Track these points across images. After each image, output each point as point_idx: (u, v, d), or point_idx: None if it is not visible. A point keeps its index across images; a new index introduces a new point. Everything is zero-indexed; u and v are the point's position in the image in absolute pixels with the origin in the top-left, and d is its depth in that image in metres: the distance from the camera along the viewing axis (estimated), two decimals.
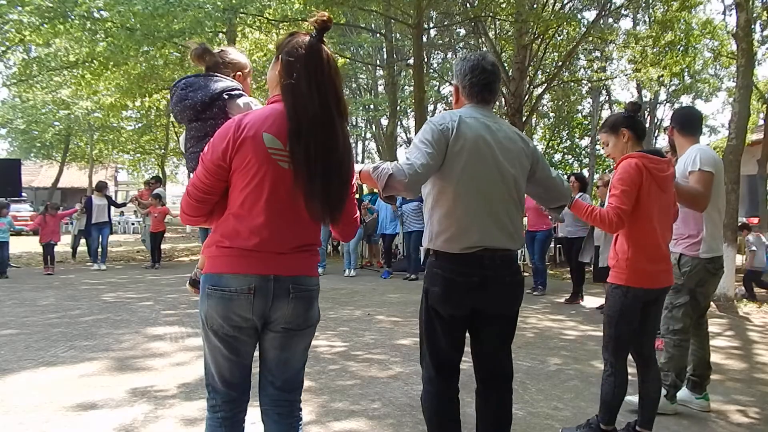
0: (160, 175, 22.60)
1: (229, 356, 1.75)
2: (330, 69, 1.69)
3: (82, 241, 11.20)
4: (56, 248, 10.04)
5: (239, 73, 2.11)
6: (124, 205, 11.24)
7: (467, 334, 2.21)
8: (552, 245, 10.44)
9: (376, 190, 2.08)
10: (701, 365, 3.32)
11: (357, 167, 2.00)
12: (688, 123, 3.30)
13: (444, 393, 2.18)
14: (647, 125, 28.31)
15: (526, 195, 2.26)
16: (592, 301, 7.12)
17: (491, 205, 2.08)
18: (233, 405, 1.81)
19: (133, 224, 23.61)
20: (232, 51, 2.17)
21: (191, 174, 1.84)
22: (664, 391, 3.10)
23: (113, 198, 11.29)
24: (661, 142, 30.61)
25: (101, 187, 10.75)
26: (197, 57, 2.09)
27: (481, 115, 2.16)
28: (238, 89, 2.01)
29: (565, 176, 7.81)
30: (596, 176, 19.05)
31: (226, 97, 1.95)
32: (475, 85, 2.18)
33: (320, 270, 9.66)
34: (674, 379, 3.18)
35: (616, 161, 2.68)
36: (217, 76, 2.02)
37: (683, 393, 3.33)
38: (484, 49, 17.29)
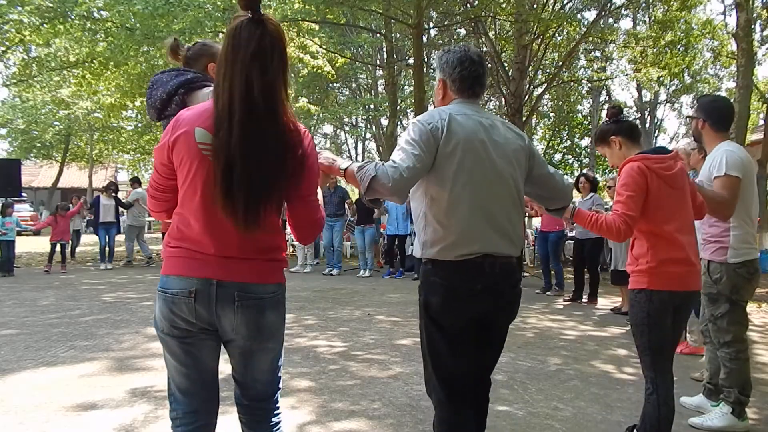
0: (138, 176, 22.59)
1: (182, 362, 1.65)
2: (248, 54, 1.49)
3: (82, 240, 11.22)
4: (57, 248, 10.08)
5: (211, 62, 1.96)
6: (131, 205, 11.27)
7: None
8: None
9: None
10: (718, 373, 3.16)
11: (343, 164, 1.92)
12: (723, 117, 3.05)
13: (454, 420, 1.98)
14: (647, 125, 28.32)
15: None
16: (603, 302, 7.11)
17: (490, 209, 1.93)
18: (194, 417, 1.69)
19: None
20: (205, 42, 2.08)
21: None
22: (727, 408, 2.98)
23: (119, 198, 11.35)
24: (661, 142, 30.60)
25: (108, 188, 10.88)
26: (171, 53, 2.03)
27: (472, 112, 2.00)
28: (201, 80, 1.90)
29: (566, 175, 7.79)
30: (600, 178, 19.07)
31: (182, 91, 1.86)
32: (465, 78, 2.02)
33: (336, 271, 9.68)
34: (737, 395, 2.98)
35: (619, 168, 2.54)
36: (182, 70, 1.93)
37: (698, 399, 3.26)
38: (484, 49, 17.31)
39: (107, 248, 10.44)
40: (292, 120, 1.59)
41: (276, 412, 1.77)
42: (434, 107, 2.12)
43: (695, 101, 3.37)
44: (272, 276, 1.66)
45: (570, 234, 8.16)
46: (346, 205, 9.90)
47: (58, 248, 10.01)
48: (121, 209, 11.11)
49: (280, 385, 1.80)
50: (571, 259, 8.63)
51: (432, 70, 22.04)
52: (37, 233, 19.25)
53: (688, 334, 4.63)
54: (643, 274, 2.42)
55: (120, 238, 11.54)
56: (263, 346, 1.67)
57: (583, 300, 7.17)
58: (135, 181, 12.25)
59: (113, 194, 10.75)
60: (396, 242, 9.97)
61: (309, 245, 10.41)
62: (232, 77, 1.49)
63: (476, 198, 1.91)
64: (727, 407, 3.02)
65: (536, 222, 9.73)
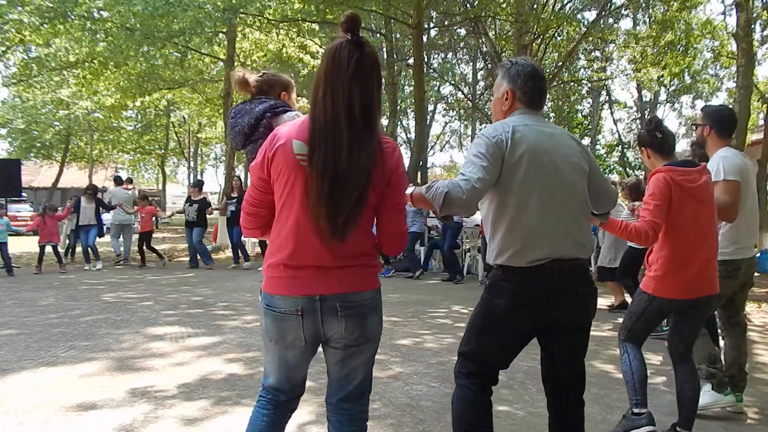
0: (132, 176, 22.57)
1: (281, 366, 1.80)
2: (351, 74, 1.59)
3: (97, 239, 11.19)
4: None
5: (283, 92, 2.16)
6: (113, 207, 11.23)
7: (530, 346, 2.16)
8: None
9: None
10: (732, 366, 3.26)
11: (408, 190, 1.95)
12: (729, 125, 3.21)
13: (475, 394, 2.10)
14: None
15: None
16: (601, 302, 7.11)
17: (557, 215, 2.00)
18: (277, 405, 1.85)
19: (133, 224, 23.62)
20: (275, 73, 2.23)
21: None
22: (708, 386, 3.14)
23: (103, 200, 11.13)
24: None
25: (89, 190, 10.67)
26: (241, 85, 2.14)
27: (534, 122, 2.09)
28: (282, 105, 2.07)
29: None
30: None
31: (269, 115, 2.01)
32: (535, 91, 2.14)
33: None
34: (707, 369, 3.15)
35: (648, 177, 2.76)
36: (261, 98, 2.08)
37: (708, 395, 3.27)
38: (485, 49, 17.31)
39: (90, 249, 10.27)
40: (382, 135, 1.69)
41: (364, 413, 1.87)
42: (494, 114, 2.25)
43: (701, 109, 3.45)
44: (368, 283, 1.73)
45: None
46: None
47: (49, 249, 9.80)
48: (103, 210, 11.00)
49: (371, 387, 1.89)
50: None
51: (432, 70, 22.08)
52: (36, 233, 19.28)
53: None
54: (651, 280, 2.74)
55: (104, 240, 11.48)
56: (362, 348, 1.76)
57: None
58: (128, 182, 12.06)
59: (95, 197, 10.55)
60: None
61: None
62: (334, 94, 1.59)
63: (543, 205, 1.98)
64: (707, 385, 3.16)
65: None
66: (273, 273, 1.69)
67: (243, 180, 11.50)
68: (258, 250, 11.44)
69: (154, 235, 11.98)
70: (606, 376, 3.94)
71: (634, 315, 2.81)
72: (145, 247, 10.73)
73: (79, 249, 10.98)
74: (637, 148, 2.90)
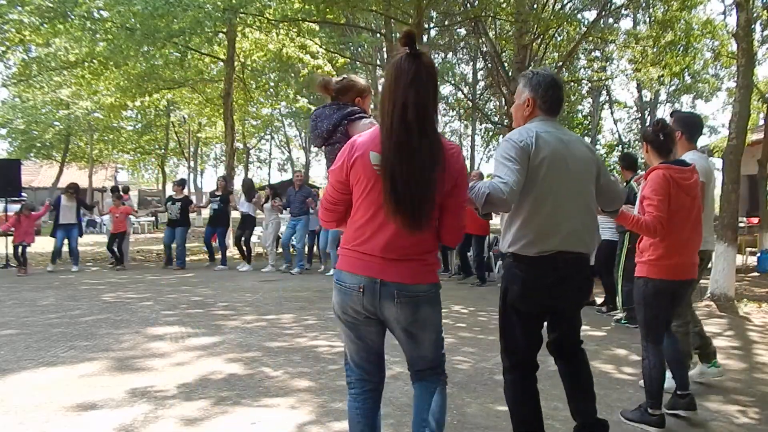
0: (128, 184, 22.59)
1: (354, 340, 2.03)
2: (414, 86, 1.79)
3: (81, 240, 11.10)
4: (30, 249, 9.85)
5: (358, 98, 2.34)
6: (94, 206, 11.14)
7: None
8: None
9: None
10: (696, 339, 3.64)
11: None
12: (697, 131, 3.56)
13: (520, 384, 2.40)
14: (647, 125, 28.28)
15: None
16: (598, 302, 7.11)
17: (567, 214, 2.28)
18: (364, 384, 2.07)
19: (133, 224, 23.60)
20: (351, 78, 2.41)
21: None
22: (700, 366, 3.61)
23: (84, 199, 10.88)
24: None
25: (70, 188, 10.31)
26: (322, 88, 2.35)
27: (553, 128, 2.35)
28: (358, 112, 2.26)
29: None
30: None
31: (346, 122, 2.21)
32: (554, 100, 2.38)
33: (296, 270, 9.67)
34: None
35: (646, 172, 3.03)
36: (340, 104, 2.28)
37: (698, 368, 3.70)
38: (484, 49, 17.30)
39: (71, 249, 9.98)
40: (442, 138, 1.89)
41: (442, 373, 2.11)
42: (515, 119, 2.50)
43: (671, 115, 3.78)
44: (426, 277, 1.95)
45: None
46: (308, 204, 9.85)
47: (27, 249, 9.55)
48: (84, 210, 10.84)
49: (444, 356, 2.13)
50: None
51: None
52: (36, 233, 19.26)
53: None
54: (643, 264, 2.98)
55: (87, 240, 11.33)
56: (421, 331, 1.99)
57: None
58: (125, 191, 11.94)
59: (75, 195, 10.24)
60: None
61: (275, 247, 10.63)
62: (394, 103, 1.81)
63: (556, 204, 2.27)
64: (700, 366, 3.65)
65: None
66: (346, 254, 1.96)
67: (227, 180, 11.38)
68: (261, 251, 11.42)
69: (152, 236, 11.93)
70: (606, 376, 3.94)
71: (639, 305, 3.02)
72: (114, 247, 10.40)
73: (81, 249, 10.92)
74: (641, 141, 3.12)
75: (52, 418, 3.02)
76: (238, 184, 21.82)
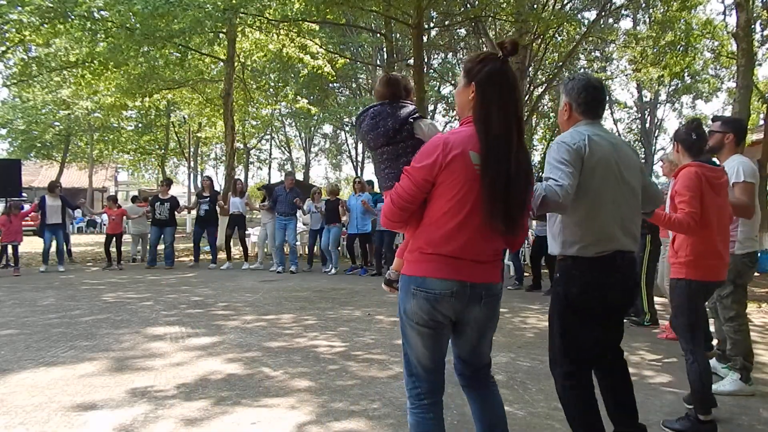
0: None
1: (429, 346, 1.97)
2: (515, 92, 1.92)
3: (81, 240, 11.12)
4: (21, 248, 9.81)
5: (411, 96, 2.35)
6: (78, 206, 11.08)
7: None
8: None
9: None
10: (725, 342, 3.73)
11: None
12: (745, 135, 3.69)
13: (585, 392, 2.39)
14: (647, 125, 28.29)
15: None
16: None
17: (621, 214, 2.33)
18: (436, 391, 2.03)
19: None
20: (409, 79, 2.42)
21: (382, 188, 2.24)
22: (736, 375, 3.49)
23: (68, 199, 10.70)
24: (661, 141, 30.58)
25: (53, 187, 10.23)
26: (386, 85, 2.30)
27: (602, 132, 2.41)
28: (417, 111, 2.27)
29: None
30: None
31: (411, 121, 2.19)
32: (589, 102, 2.41)
33: (293, 267, 9.77)
34: (743, 362, 3.48)
35: (676, 169, 3.05)
36: (400, 103, 2.25)
37: (712, 362, 3.65)
38: (485, 49, 17.26)
39: (59, 249, 9.91)
40: None
41: (492, 376, 2.15)
42: (559, 124, 2.57)
43: (715, 119, 3.81)
44: (500, 276, 2.03)
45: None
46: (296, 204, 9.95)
47: (13, 249, 9.51)
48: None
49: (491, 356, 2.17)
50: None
51: (432, 70, 22.08)
52: (36, 233, 19.24)
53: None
54: (682, 265, 2.95)
55: None
56: (490, 330, 2.06)
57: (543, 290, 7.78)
58: (113, 200, 11.68)
59: (59, 194, 10.14)
60: (356, 241, 10.26)
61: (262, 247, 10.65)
62: (500, 107, 1.86)
63: (612, 206, 2.31)
64: (736, 374, 3.51)
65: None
66: (430, 260, 1.90)
67: (213, 180, 11.39)
68: (259, 251, 11.42)
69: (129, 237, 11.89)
70: None
71: (685, 310, 2.95)
72: (112, 248, 10.43)
73: (80, 249, 10.94)
74: (672, 140, 3.26)
75: (52, 418, 3.02)
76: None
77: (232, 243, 10.93)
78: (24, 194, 10.68)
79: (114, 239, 10.59)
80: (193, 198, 11.33)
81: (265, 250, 10.76)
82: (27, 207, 10.81)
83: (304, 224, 11.46)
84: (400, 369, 3.98)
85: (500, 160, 1.83)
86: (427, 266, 1.90)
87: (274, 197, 10.17)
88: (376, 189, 10.33)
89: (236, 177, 13.75)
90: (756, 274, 10.42)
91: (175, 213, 10.63)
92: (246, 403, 3.27)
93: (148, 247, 10.95)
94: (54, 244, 10.01)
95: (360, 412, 3.15)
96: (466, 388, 2.14)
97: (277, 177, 42.47)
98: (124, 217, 11.23)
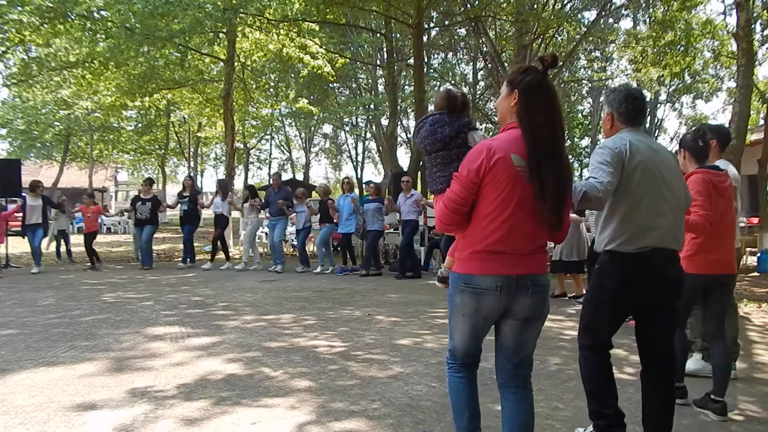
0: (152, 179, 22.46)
1: (471, 336, 2.17)
2: (556, 100, 2.14)
3: (75, 240, 11.03)
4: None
5: (467, 110, 2.60)
6: (61, 205, 10.96)
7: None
8: None
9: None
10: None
11: None
12: (728, 141, 3.88)
13: (604, 362, 2.60)
14: (647, 125, 28.27)
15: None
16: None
17: (661, 213, 2.50)
18: (468, 368, 2.26)
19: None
20: (466, 96, 2.68)
21: (431, 192, 2.47)
22: (699, 355, 3.82)
23: (51, 198, 10.54)
24: (661, 142, 30.58)
25: (34, 187, 9.99)
26: (446, 99, 2.53)
27: (642, 138, 2.59)
28: (472, 123, 2.53)
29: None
30: None
31: (466, 130, 2.44)
32: (630, 111, 2.61)
33: (279, 267, 9.77)
34: (702, 342, 3.81)
35: (684, 174, 3.17)
36: (456, 115, 2.50)
37: (698, 363, 3.91)
38: (485, 49, 17.28)
39: (34, 250, 9.69)
40: None
41: (530, 381, 2.24)
42: (603, 132, 2.78)
43: (703, 126, 4.13)
44: (546, 267, 2.18)
45: None
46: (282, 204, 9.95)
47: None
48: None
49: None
50: None
51: (432, 70, 22.09)
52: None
53: None
54: (683, 260, 2.99)
55: (114, 238, 11.36)
56: (538, 321, 2.16)
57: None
58: (90, 196, 11.40)
59: (40, 193, 9.92)
60: (346, 240, 10.31)
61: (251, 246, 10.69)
62: (545, 113, 2.07)
63: (651, 205, 2.49)
64: (698, 354, 3.87)
65: None
66: (476, 257, 2.08)
67: (194, 179, 11.32)
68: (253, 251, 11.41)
69: (156, 235, 11.80)
70: None
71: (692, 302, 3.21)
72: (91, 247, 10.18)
73: (81, 249, 10.88)
74: (678, 147, 3.49)
75: (52, 418, 3.02)
76: (238, 184, 21.84)
77: (220, 242, 10.81)
78: (24, 194, 10.62)
79: (90, 238, 10.21)
80: (174, 199, 11.16)
81: (251, 252, 10.72)
82: (11, 207, 10.62)
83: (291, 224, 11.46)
84: (400, 369, 3.99)
85: (546, 161, 2.01)
86: (474, 264, 2.08)
87: (266, 199, 10.24)
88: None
89: (223, 178, 13.74)
90: (756, 274, 10.44)
91: (158, 212, 10.52)
92: (246, 403, 3.27)
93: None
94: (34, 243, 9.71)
95: (360, 412, 3.15)
96: (503, 386, 2.23)
97: None
98: (126, 215, 11.12)
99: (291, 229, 11.09)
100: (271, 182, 10.73)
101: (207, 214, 11.91)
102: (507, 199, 2.03)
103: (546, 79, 2.13)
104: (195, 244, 11.42)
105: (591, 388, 2.62)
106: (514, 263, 2.05)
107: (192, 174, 31.18)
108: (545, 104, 2.08)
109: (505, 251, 2.04)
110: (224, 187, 11.03)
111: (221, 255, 10.81)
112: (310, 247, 11.68)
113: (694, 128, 3.38)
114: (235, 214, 11.29)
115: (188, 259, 10.70)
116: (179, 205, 10.61)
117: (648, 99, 26.28)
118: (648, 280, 2.48)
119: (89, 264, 10.21)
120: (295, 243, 12.41)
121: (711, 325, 3.28)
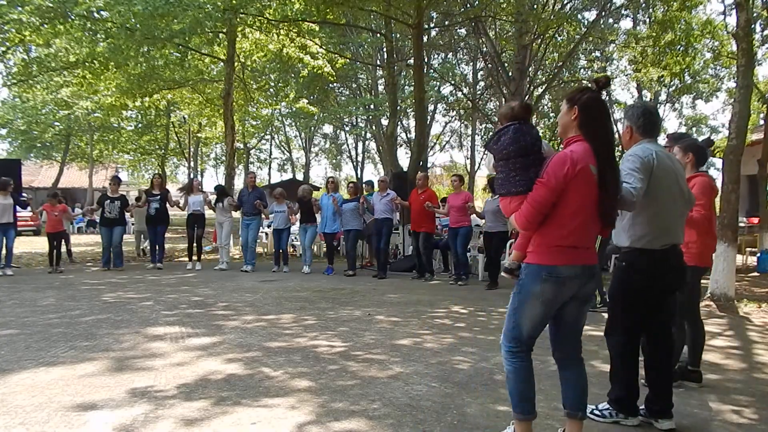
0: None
1: (541, 320, 2.54)
2: (609, 115, 2.62)
3: (80, 240, 11.01)
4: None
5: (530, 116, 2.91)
6: (28, 204, 10.72)
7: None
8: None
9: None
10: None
11: None
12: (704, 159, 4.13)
13: (631, 338, 3.08)
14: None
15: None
16: None
17: (678, 214, 3.03)
18: (530, 351, 2.58)
19: (133, 224, 23.45)
20: (532, 105, 3.17)
21: (495, 192, 2.92)
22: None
23: (20, 197, 10.28)
24: (662, 142, 30.55)
25: (5, 185, 9.58)
26: (526, 109, 2.75)
27: (661, 149, 3.03)
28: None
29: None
30: None
31: (540, 142, 2.69)
32: (647, 124, 3.03)
33: (249, 268, 9.81)
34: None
35: (687, 177, 3.52)
36: (531, 125, 2.75)
37: None
38: (485, 49, 17.29)
39: (5, 251, 9.41)
40: None
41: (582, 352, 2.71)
42: (623, 143, 3.15)
43: (673, 137, 4.28)
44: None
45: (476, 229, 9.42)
46: (257, 205, 9.95)
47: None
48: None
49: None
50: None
51: (432, 70, 22.09)
52: (36, 233, 19.24)
53: None
54: (692, 256, 3.58)
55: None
56: (590, 300, 2.69)
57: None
58: (55, 196, 10.85)
59: (10, 192, 9.59)
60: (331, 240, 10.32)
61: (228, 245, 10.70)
62: (606, 130, 2.56)
63: (671, 208, 2.98)
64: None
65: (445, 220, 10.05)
66: (560, 251, 2.45)
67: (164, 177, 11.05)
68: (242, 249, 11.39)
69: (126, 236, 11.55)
70: (606, 376, 3.92)
71: (696, 292, 3.81)
72: (63, 248, 10.03)
73: (81, 249, 10.86)
74: (687, 151, 3.81)
75: (52, 418, 3.02)
76: (238, 184, 21.82)
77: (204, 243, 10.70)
78: (24, 194, 10.62)
79: (55, 239, 9.95)
80: (143, 198, 10.88)
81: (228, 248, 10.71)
82: None
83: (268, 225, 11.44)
84: (400, 369, 3.99)
85: (610, 168, 2.47)
86: (558, 256, 2.44)
87: (240, 199, 10.27)
88: (376, 188, 10.31)
89: (192, 176, 13.67)
90: (756, 274, 10.44)
91: (125, 212, 10.38)
92: (246, 403, 3.27)
93: (147, 244, 10.84)
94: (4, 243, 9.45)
95: (360, 412, 3.15)
96: (564, 359, 2.67)
97: (277, 177, 42.50)
98: (127, 215, 10.87)
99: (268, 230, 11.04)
100: (246, 181, 10.70)
101: (174, 212, 11.62)
102: (585, 203, 2.43)
103: (601, 97, 2.55)
104: (184, 245, 11.35)
105: (626, 376, 3.08)
106: (585, 255, 2.48)
107: (192, 174, 31.20)
108: (603, 119, 2.53)
109: (578, 245, 2.45)
110: (221, 193, 10.68)
111: (212, 255, 10.75)
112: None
113: (707, 138, 3.81)
114: (236, 214, 11.24)
115: (159, 260, 10.40)
116: (148, 204, 10.26)
117: (648, 99, 26.30)
118: (669, 270, 2.96)
119: (53, 266, 9.85)
120: (295, 243, 12.43)
121: (695, 306, 3.85)
